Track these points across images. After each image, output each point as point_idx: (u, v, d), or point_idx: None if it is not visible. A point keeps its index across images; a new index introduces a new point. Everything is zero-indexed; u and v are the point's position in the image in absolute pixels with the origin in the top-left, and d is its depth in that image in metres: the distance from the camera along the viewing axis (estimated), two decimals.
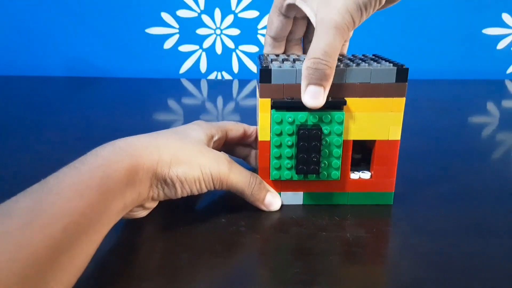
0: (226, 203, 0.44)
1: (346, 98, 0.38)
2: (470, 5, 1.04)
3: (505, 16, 1.05)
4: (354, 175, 0.42)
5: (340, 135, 0.39)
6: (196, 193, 0.38)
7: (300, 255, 0.35)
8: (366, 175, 0.42)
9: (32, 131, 0.68)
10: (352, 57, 0.45)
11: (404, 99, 0.39)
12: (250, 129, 0.48)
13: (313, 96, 0.37)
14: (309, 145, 0.38)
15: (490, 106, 0.86)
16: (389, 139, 0.41)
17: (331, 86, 0.38)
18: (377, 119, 0.40)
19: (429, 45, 1.07)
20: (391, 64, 0.39)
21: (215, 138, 0.44)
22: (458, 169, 0.52)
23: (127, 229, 0.39)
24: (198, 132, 0.41)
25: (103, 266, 0.34)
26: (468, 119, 0.77)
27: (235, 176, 0.39)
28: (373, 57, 0.45)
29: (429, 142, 0.63)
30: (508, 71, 1.10)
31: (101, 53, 1.08)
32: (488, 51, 1.08)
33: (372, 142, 0.41)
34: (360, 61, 0.41)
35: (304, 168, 0.39)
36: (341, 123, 0.38)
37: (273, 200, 0.42)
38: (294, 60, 0.41)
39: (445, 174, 0.51)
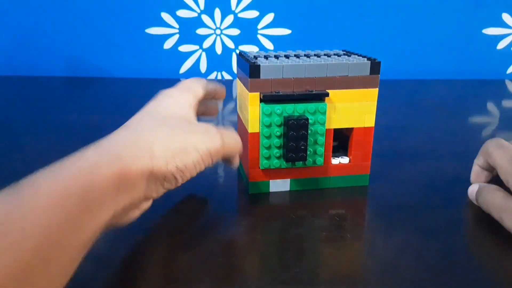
0: (225, 204, 0.47)
1: (328, 90, 0.44)
2: (470, 5, 1.08)
3: (505, 16, 1.08)
4: (335, 161, 0.48)
5: (323, 124, 0.45)
6: (195, 175, 0.38)
7: (301, 255, 0.38)
8: (345, 160, 0.48)
9: (32, 131, 0.71)
10: (326, 52, 0.51)
11: (377, 89, 0.46)
12: (210, 85, 0.48)
13: None
14: (297, 134, 0.44)
15: (490, 106, 0.89)
16: (365, 126, 0.47)
17: (314, 80, 0.44)
18: (354, 109, 0.47)
19: (429, 45, 1.11)
20: (365, 58, 0.45)
21: (196, 101, 0.44)
22: (458, 170, 0.55)
23: (126, 229, 0.38)
24: (181, 104, 0.41)
25: (101, 266, 0.35)
26: (468, 119, 0.80)
27: (229, 142, 0.40)
28: (345, 52, 0.51)
29: (429, 142, 0.66)
30: (508, 71, 1.14)
31: (101, 53, 1.11)
32: (488, 51, 1.11)
33: (350, 129, 0.48)
34: (337, 56, 0.48)
35: (293, 156, 0.45)
36: (324, 113, 0.45)
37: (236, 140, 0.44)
38: (276, 57, 0.48)
39: (444, 174, 0.54)
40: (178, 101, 0.41)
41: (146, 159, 0.34)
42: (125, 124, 0.38)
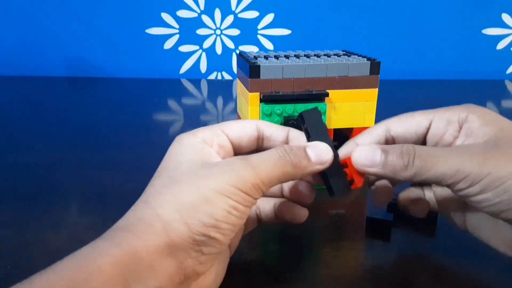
0: None
1: (328, 90, 0.45)
2: (470, 5, 1.08)
3: (505, 16, 1.09)
4: None
5: None
6: (241, 223, 0.29)
7: (301, 255, 0.38)
8: None
9: (32, 131, 0.71)
10: (326, 52, 0.51)
11: (377, 89, 0.46)
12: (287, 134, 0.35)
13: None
14: None
15: (490, 106, 0.89)
16: (365, 126, 0.47)
17: (314, 80, 0.44)
18: (354, 109, 0.47)
19: (429, 45, 1.11)
20: (365, 59, 0.46)
21: (212, 143, 0.33)
22: None
23: None
24: (191, 146, 0.32)
25: None
26: None
27: (263, 166, 0.29)
28: (345, 52, 0.51)
29: None
30: (508, 71, 1.14)
31: (101, 53, 1.12)
32: (488, 51, 1.12)
33: (350, 129, 0.48)
34: (337, 56, 0.48)
35: None
36: (324, 113, 0.45)
37: (318, 150, 0.32)
38: (276, 57, 0.48)
39: None
40: (188, 144, 0.32)
41: (156, 231, 0.27)
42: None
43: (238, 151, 0.35)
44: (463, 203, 0.35)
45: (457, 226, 0.35)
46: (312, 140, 0.33)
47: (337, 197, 0.32)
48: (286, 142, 0.35)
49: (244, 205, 0.29)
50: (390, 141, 0.35)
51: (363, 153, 0.31)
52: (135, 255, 0.25)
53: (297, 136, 0.35)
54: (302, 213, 0.35)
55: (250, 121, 0.35)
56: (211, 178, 0.28)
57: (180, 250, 0.27)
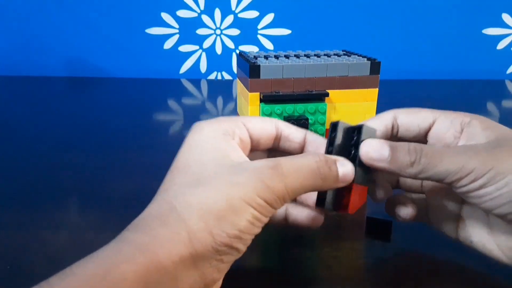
0: None
1: (327, 90, 0.45)
2: (470, 5, 1.08)
3: (505, 16, 1.09)
4: None
5: (323, 124, 0.45)
6: (258, 232, 0.29)
7: (300, 255, 0.38)
8: None
9: (32, 131, 0.71)
10: (326, 52, 0.51)
11: (377, 89, 0.46)
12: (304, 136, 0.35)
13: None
14: None
15: (490, 106, 0.89)
16: None
17: (314, 80, 0.44)
18: (354, 109, 0.47)
19: (429, 45, 1.11)
20: (365, 58, 0.46)
21: (234, 135, 0.32)
22: None
23: None
24: (214, 139, 0.31)
25: None
26: None
27: (294, 177, 0.28)
28: (345, 52, 0.51)
29: None
30: (508, 71, 1.14)
31: (101, 53, 1.12)
32: (488, 51, 1.12)
33: None
34: (337, 56, 0.48)
35: None
36: (324, 113, 0.45)
37: (345, 168, 0.31)
38: (276, 57, 0.48)
39: None
40: (210, 135, 0.31)
41: (181, 239, 0.26)
42: (158, 190, 0.30)
43: (255, 147, 0.35)
44: (457, 211, 0.35)
45: (449, 235, 0.36)
46: (332, 152, 0.32)
47: (324, 209, 0.33)
48: (303, 144, 0.35)
49: (266, 216, 0.28)
50: (395, 128, 0.35)
51: (371, 147, 0.31)
52: (159, 264, 0.24)
53: (314, 140, 0.35)
54: (320, 218, 0.34)
55: (270, 119, 0.35)
56: (239, 185, 0.27)
57: (203, 260, 0.26)
